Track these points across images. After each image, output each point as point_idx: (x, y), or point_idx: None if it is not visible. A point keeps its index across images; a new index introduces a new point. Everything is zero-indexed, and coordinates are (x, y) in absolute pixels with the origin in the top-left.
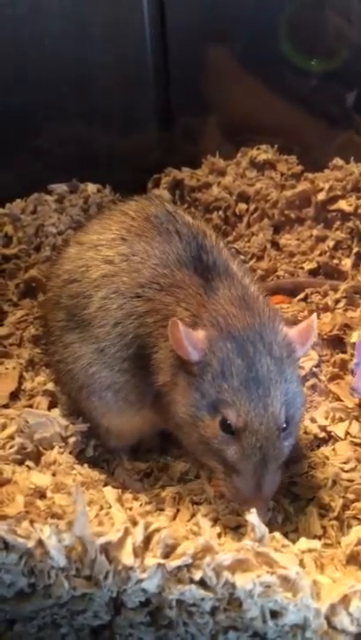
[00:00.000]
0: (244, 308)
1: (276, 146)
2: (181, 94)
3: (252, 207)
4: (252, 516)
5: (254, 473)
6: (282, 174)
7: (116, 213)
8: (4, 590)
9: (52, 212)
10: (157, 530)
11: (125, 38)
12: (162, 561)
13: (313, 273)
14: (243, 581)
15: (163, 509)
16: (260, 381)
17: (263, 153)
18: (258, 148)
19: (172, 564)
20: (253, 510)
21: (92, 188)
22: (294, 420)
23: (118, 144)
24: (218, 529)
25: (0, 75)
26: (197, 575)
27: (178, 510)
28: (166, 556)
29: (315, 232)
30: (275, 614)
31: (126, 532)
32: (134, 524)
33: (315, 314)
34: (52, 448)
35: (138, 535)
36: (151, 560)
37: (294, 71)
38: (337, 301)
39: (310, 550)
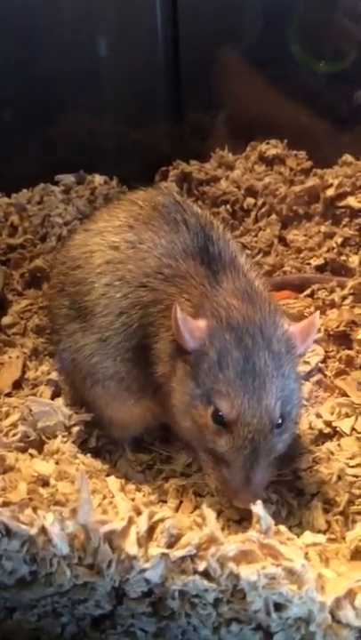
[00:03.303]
0: (247, 301)
1: (285, 141)
2: (192, 89)
3: (260, 202)
4: (258, 508)
5: (244, 465)
6: (291, 169)
7: (125, 202)
8: (5, 577)
9: (59, 202)
10: (162, 520)
11: (138, 32)
12: (166, 551)
13: (320, 269)
14: (247, 573)
15: (165, 501)
16: (256, 374)
17: (273, 148)
18: (267, 143)
19: (176, 554)
20: (259, 502)
21: (99, 179)
22: (291, 416)
23: (127, 136)
24: (221, 521)
25: (10, 65)
26: (201, 566)
27: (181, 502)
28: (170, 546)
29: (323, 228)
30: (279, 607)
31: (130, 521)
32: (138, 513)
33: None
34: (56, 437)
35: (142, 524)
36: (155, 550)
37: (304, 69)
38: (344, 298)
39: (315, 544)
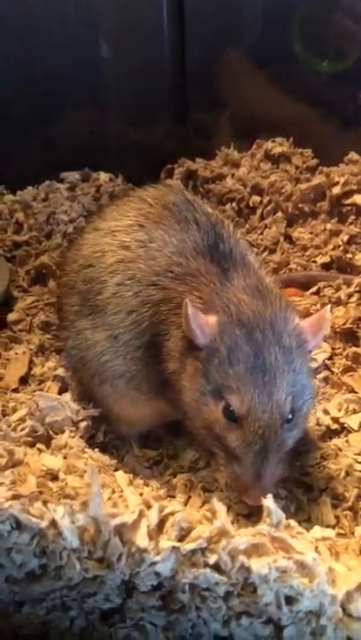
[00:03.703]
0: (258, 297)
1: (291, 139)
2: (197, 88)
3: (265, 200)
4: (269, 501)
5: (254, 461)
6: (297, 167)
7: (134, 200)
8: (15, 571)
9: (64, 199)
10: (172, 513)
11: (144, 31)
12: (176, 544)
13: (326, 267)
14: (258, 566)
15: (174, 496)
16: (266, 369)
17: (278, 146)
18: (273, 141)
19: (187, 547)
20: (270, 495)
21: (104, 176)
22: (301, 412)
23: (132, 134)
24: (230, 516)
25: (15, 63)
26: (212, 559)
27: (189, 497)
28: (181, 539)
29: (328, 226)
30: (290, 600)
31: (141, 514)
32: (148, 507)
33: (328, 306)
34: (63, 432)
35: (153, 518)
36: (166, 543)
37: (308, 68)
38: (350, 295)
39: (324, 539)
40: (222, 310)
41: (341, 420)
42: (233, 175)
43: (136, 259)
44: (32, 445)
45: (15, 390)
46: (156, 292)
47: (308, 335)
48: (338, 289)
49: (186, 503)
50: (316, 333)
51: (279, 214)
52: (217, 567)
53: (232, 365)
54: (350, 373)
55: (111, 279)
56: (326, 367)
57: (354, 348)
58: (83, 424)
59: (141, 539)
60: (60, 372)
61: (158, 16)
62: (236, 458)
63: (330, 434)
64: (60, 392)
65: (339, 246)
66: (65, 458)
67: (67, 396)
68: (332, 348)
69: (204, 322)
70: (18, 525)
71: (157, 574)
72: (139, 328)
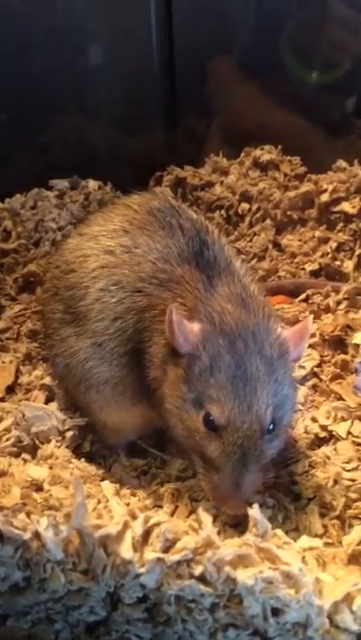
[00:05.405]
0: (241, 306)
1: (279, 146)
2: (187, 96)
3: (254, 207)
4: (255, 511)
5: (233, 471)
6: (285, 175)
7: (119, 206)
8: None
9: (53, 207)
10: (157, 524)
11: (133, 39)
12: (161, 555)
13: (315, 274)
14: (244, 577)
15: (161, 506)
16: (247, 379)
17: (267, 153)
18: (262, 149)
19: (172, 558)
20: (256, 505)
21: (93, 184)
22: (282, 422)
23: (121, 142)
24: (217, 526)
25: (4, 71)
26: (198, 570)
27: (176, 507)
28: (166, 550)
29: (317, 233)
30: (276, 611)
31: (126, 526)
32: (134, 517)
33: (310, 315)
34: (49, 442)
35: (137, 529)
36: (150, 554)
37: (297, 77)
38: (338, 302)
39: (312, 548)
40: (206, 319)
41: (330, 428)
42: (222, 183)
43: (121, 264)
44: (17, 456)
45: (2, 399)
46: (140, 299)
47: (290, 345)
48: (326, 296)
49: (173, 513)
50: (299, 344)
51: (268, 222)
52: (203, 578)
53: (213, 374)
54: (338, 381)
55: (94, 284)
56: (315, 375)
57: (342, 356)
58: (69, 433)
59: (126, 550)
60: (47, 380)
61: (147, 24)
62: (216, 467)
63: (318, 442)
64: (47, 401)
65: (327, 253)
66: (50, 468)
67: (53, 406)
68: (321, 356)
69: (187, 329)
70: (1, 537)
71: (143, 586)
72: (124, 335)
